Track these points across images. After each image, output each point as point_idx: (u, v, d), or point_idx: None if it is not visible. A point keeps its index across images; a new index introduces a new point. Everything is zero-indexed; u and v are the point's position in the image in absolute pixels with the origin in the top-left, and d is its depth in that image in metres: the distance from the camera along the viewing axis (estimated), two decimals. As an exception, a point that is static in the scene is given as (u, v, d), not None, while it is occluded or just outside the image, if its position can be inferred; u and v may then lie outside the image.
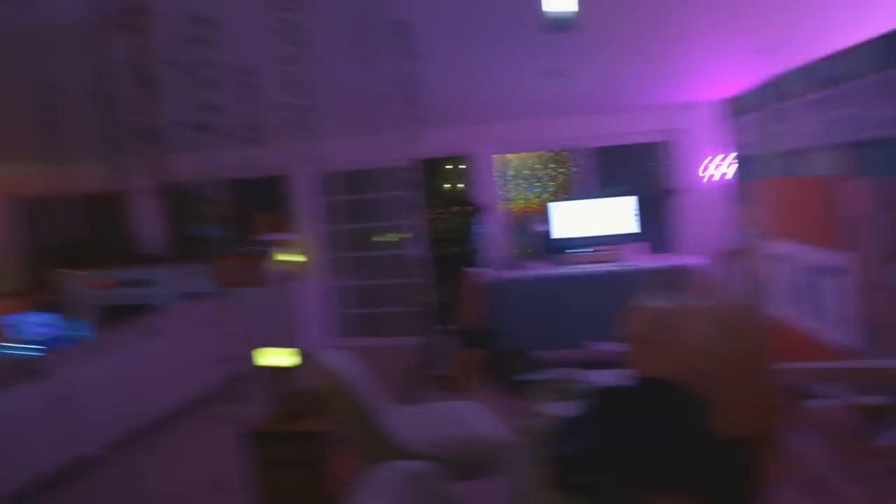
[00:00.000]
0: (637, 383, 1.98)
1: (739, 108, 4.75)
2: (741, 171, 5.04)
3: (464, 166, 7.12)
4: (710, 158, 5.94)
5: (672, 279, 5.29)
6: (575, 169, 6.71)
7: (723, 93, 5.32)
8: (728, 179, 5.80)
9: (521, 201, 6.93)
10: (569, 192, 6.68)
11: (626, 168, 6.72)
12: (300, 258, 7.28)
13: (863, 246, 3.23)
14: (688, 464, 1.71)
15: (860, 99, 3.18)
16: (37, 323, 7.09)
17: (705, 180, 6.02)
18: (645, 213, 6.05)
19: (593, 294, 5.56)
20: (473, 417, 2.99)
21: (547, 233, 6.04)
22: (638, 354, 2.08)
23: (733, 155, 5.33)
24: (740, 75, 4.58)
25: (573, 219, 6.06)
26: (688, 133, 6.10)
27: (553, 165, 6.96)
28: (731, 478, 1.73)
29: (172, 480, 4.03)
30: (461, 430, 2.87)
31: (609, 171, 6.61)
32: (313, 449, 3.03)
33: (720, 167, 5.80)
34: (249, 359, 4.01)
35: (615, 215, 6.02)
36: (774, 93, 4.12)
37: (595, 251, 5.94)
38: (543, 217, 6.13)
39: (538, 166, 6.98)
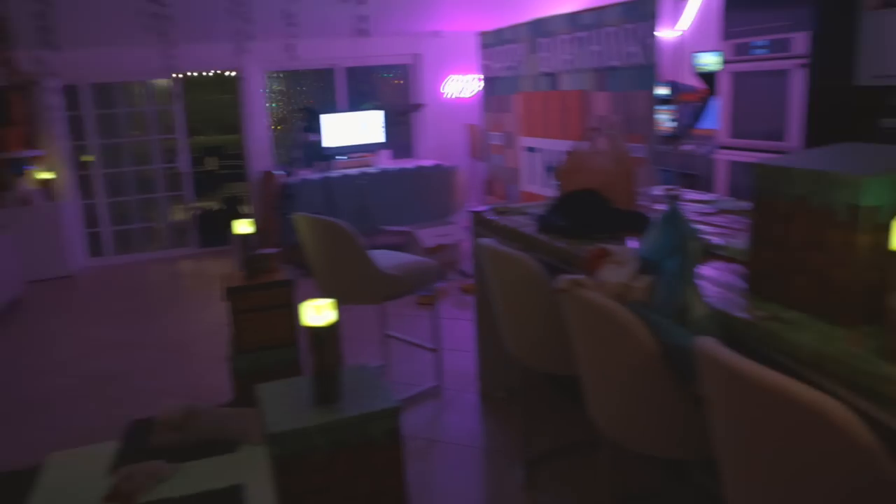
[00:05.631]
0: (574, 192, 3.46)
1: (495, 39, 6.40)
2: (489, 89, 6.72)
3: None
4: (452, 79, 7.73)
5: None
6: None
7: (474, 27, 7.04)
8: (470, 97, 7.61)
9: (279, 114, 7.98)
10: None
11: (375, 85, 8.26)
12: (51, 175, 7.37)
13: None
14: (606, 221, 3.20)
15: (604, 40, 4.96)
16: None
17: (447, 96, 7.77)
18: (390, 124, 7.53)
19: (366, 190, 6.93)
20: (398, 255, 4.25)
21: (317, 142, 7.18)
22: (567, 181, 3.57)
23: (480, 76, 7.02)
24: (491, 16, 6.28)
25: (337, 129, 7.28)
26: (433, 56, 7.77)
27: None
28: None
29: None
30: (405, 260, 4.13)
31: (362, 87, 8.02)
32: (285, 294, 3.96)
33: (464, 86, 7.64)
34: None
35: (368, 127, 7.37)
36: (532, 31, 5.79)
37: (349, 157, 7.28)
38: (311, 127, 7.22)
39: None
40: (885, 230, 1.85)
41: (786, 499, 1.60)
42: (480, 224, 3.68)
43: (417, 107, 7.93)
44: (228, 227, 5.51)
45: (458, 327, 5.01)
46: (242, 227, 3.74)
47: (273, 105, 8.20)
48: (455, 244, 6.60)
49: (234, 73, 7.60)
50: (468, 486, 3.26)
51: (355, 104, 7.90)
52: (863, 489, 1.46)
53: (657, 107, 6.04)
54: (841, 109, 4.84)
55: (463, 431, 3.72)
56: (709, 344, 1.67)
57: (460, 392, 4.13)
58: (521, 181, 6.27)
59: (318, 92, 8.39)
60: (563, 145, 5.08)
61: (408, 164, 7.44)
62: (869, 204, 1.86)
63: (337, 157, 7.23)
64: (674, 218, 2.15)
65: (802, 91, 4.76)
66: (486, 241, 2.84)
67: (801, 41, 4.72)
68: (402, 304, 5.18)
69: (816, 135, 4.76)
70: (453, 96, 7.99)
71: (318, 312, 2.36)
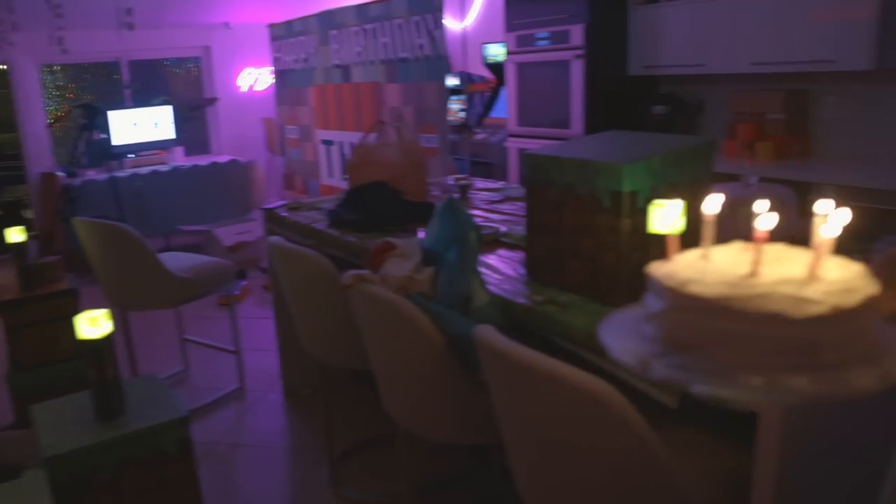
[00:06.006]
0: (363, 185, 3.46)
1: (285, 31, 6.26)
2: (281, 82, 6.58)
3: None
4: (248, 71, 7.51)
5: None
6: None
7: (264, 18, 6.85)
8: (263, 90, 7.41)
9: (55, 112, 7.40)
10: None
11: (164, 79, 7.86)
12: None
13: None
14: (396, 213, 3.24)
15: (393, 32, 5.00)
16: None
17: (242, 90, 7.52)
18: (182, 119, 7.21)
19: (160, 190, 6.62)
20: (191, 257, 4.09)
21: (103, 140, 6.74)
22: (356, 175, 3.56)
23: (271, 69, 6.86)
24: (281, 7, 6.16)
25: (125, 126, 6.88)
26: (224, 49, 7.50)
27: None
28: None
29: None
30: (198, 261, 3.97)
31: (145, 82, 7.60)
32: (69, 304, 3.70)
33: (256, 79, 7.44)
34: None
35: (156, 122, 7.03)
36: (322, 23, 5.72)
37: (138, 156, 6.93)
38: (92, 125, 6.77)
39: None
40: (645, 214, 1.98)
41: (563, 476, 1.68)
42: (272, 221, 3.61)
43: (211, 101, 7.65)
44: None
45: (261, 326, 4.90)
46: (14, 234, 3.46)
47: (51, 101, 7.61)
48: (256, 241, 6.44)
49: (3, 67, 6.99)
50: (273, 488, 3.20)
51: (145, 99, 7.49)
52: (630, 464, 1.56)
53: (449, 97, 6.19)
54: (617, 98, 5.16)
55: (267, 432, 3.64)
56: (486, 332, 1.73)
57: (265, 392, 4.04)
58: (321, 175, 6.22)
59: (104, 86, 7.89)
60: (358, 138, 5.08)
61: (201, 160, 7.16)
62: (629, 189, 1.99)
63: (129, 156, 6.84)
64: (451, 209, 2.20)
65: (582, 81, 5.03)
66: (275, 240, 2.78)
67: (578, 33, 4.98)
68: (203, 306, 5.00)
69: (596, 122, 5.04)
70: (249, 89, 7.77)
71: (93, 324, 2.22)
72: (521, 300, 2.15)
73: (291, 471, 3.34)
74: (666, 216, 1.90)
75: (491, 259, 2.56)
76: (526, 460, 1.79)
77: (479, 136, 6.42)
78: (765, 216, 0.66)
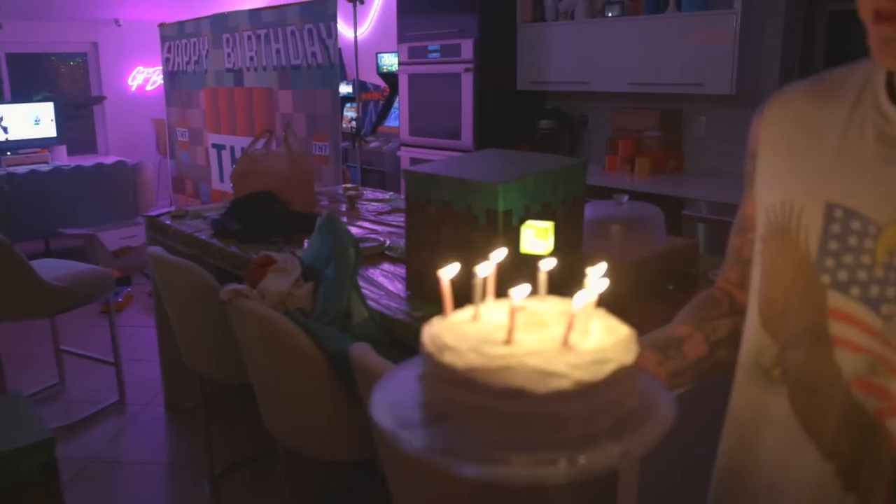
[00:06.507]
0: (248, 195, 3.43)
1: (176, 32, 6.11)
2: (171, 84, 6.42)
3: None
4: (140, 70, 7.30)
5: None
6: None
7: (156, 17, 6.67)
8: (154, 90, 7.22)
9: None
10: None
11: (49, 74, 7.55)
12: None
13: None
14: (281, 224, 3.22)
15: (285, 39, 4.96)
16: None
17: (133, 89, 7.30)
18: (66, 117, 6.96)
19: (39, 191, 6.35)
20: (67, 265, 3.95)
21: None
22: (241, 185, 3.52)
23: (161, 69, 6.69)
24: (174, 7, 6.02)
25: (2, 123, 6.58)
26: (114, 46, 7.27)
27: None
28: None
29: None
30: (76, 269, 3.84)
31: (28, 77, 7.29)
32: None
33: (147, 79, 7.24)
34: None
35: (37, 119, 6.76)
36: (214, 26, 5.62)
37: (13, 154, 6.65)
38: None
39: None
40: (519, 233, 2.05)
41: (435, 490, 1.72)
42: (155, 229, 3.53)
43: (98, 99, 7.40)
44: None
45: (145, 335, 4.76)
46: None
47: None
48: (142, 246, 6.26)
49: None
50: (152, 506, 3.13)
51: (25, 95, 7.17)
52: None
53: (342, 105, 6.18)
54: (506, 111, 5.27)
55: (147, 448, 3.55)
56: (359, 350, 1.75)
57: (146, 406, 3.94)
58: (212, 179, 6.11)
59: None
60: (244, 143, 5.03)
61: (86, 160, 6.91)
62: (504, 209, 2.05)
63: (6, 154, 6.54)
64: (330, 224, 2.21)
65: (472, 93, 5.11)
66: (155, 250, 2.73)
67: (468, 47, 5.06)
68: (83, 315, 4.80)
69: (486, 134, 5.14)
70: (139, 89, 7.56)
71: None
72: (400, 316, 2.18)
73: (171, 489, 3.27)
74: (536, 237, 1.96)
75: (374, 274, 2.58)
76: (400, 476, 1.82)
77: (373, 145, 6.44)
78: (519, 288, 0.67)
